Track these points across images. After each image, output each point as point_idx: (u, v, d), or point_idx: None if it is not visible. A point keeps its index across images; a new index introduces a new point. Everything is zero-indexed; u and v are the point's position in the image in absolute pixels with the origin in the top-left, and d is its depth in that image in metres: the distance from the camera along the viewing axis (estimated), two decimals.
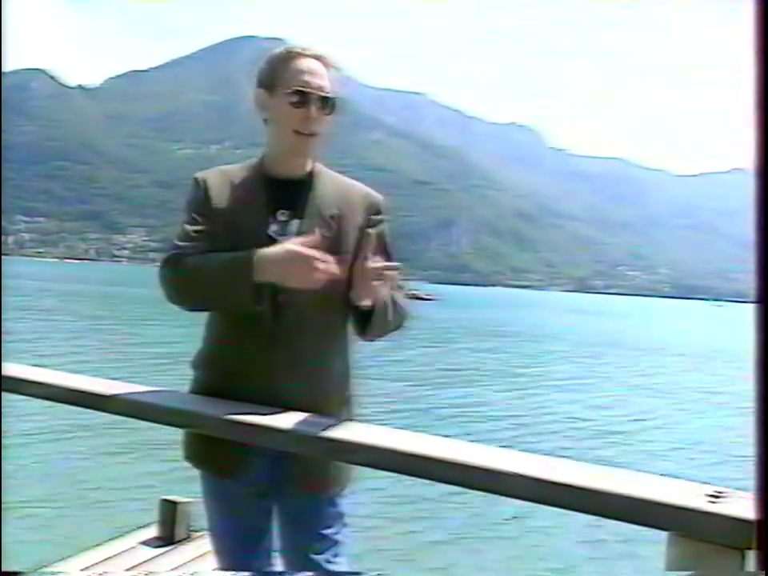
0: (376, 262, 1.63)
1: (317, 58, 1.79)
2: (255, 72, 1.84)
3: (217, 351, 1.85)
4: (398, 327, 1.84)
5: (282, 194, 1.79)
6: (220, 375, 1.82)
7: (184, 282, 1.71)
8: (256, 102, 1.82)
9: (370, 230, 1.70)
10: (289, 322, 1.77)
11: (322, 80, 1.76)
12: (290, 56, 1.78)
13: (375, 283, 1.63)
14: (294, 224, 1.79)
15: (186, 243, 1.75)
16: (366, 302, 1.67)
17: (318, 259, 1.56)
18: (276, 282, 1.62)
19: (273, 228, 1.77)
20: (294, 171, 1.82)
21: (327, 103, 1.76)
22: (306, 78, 1.74)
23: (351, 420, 1.77)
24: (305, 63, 1.76)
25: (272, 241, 1.74)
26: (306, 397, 1.74)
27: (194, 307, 1.78)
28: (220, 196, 1.79)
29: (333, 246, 1.75)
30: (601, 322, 57.37)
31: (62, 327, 23.68)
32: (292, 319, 1.77)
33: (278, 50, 1.82)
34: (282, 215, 1.79)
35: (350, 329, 1.88)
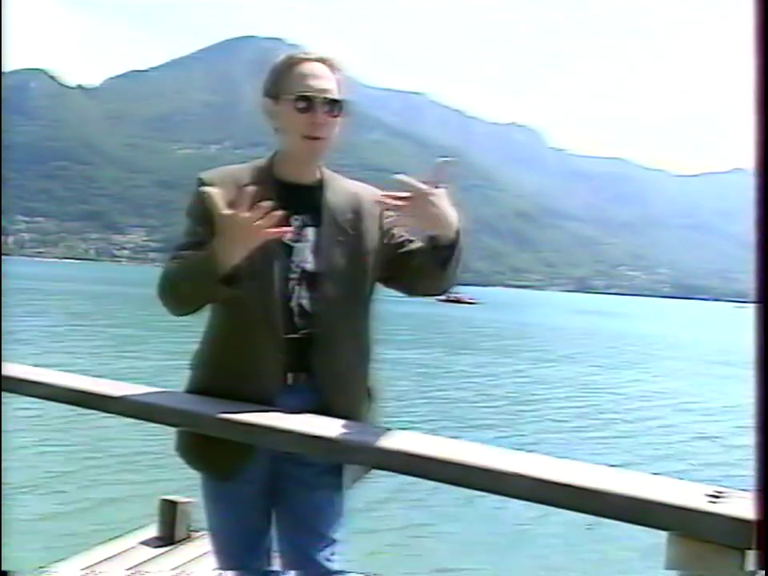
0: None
1: (319, 61, 1.78)
2: (260, 82, 1.83)
3: (221, 351, 1.83)
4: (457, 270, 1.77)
5: (294, 199, 1.75)
6: (223, 376, 1.80)
7: (165, 292, 1.72)
8: (263, 111, 1.81)
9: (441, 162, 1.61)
10: (301, 328, 1.75)
11: (326, 83, 1.74)
12: (291, 62, 1.77)
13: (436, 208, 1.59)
14: (311, 232, 1.79)
15: (179, 254, 1.73)
16: (442, 229, 1.64)
17: (251, 217, 1.53)
18: (236, 254, 1.58)
19: (287, 235, 1.76)
20: (305, 177, 1.81)
21: (333, 106, 1.74)
22: (310, 82, 1.73)
23: (360, 422, 1.77)
24: (307, 68, 1.75)
25: (287, 248, 1.75)
26: (313, 402, 1.74)
27: (185, 312, 1.75)
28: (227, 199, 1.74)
29: (350, 251, 1.79)
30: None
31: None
32: (305, 325, 1.75)
33: (280, 57, 1.81)
34: (295, 221, 1.77)
35: (371, 334, 1.88)
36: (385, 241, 1.85)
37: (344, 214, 1.81)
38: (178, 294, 1.71)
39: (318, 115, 1.72)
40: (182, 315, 1.76)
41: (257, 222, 1.53)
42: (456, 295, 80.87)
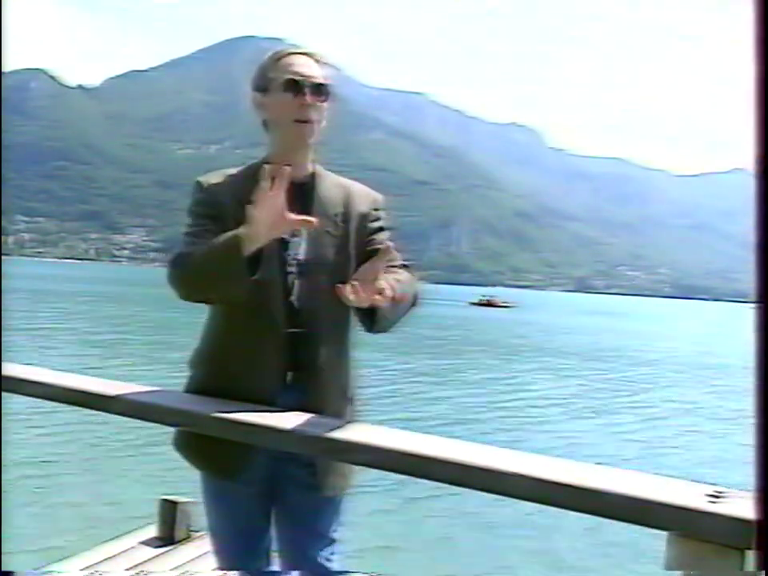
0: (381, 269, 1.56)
1: (304, 54, 1.86)
2: (249, 79, 1.90)
3: (221, 350, 1.84)
4: (406, 313, 1.81)
5: (287, 196, 1.71)
6: (223, 374, 1.81)
7: (184, 272, 1.69)
8: (253, 105, 1.88)
9: (386, 245, 1.69)
10: (299, 323, 1.78)
11: (312, 70, 1.82)
12: (277, 56, 1.85)
13: (375, 286, 1.55)
14: None
15: (191, 242, 1.75)
16: (365, 304, 1.58)
17: (280, 205, 1.56)
18: (263, 237, 1.59)
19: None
20: (297, 173, 1.80)
21: (320, 89, 1.81)
22: (296, 68, 1.81)
23: (353, 421, 1.77)
24: (293, 58, 1.84)
25: (282, 243, 1.78)
26: (311, 398, 1.77)
27: (198, 296, 1.75)
28: (224, 199, 1.78)
29: (339, 244, 1.83)
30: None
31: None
32: (302, 320, 1.78)
33: (267, 54, 1.90)
34: None
35: (355, 331, 1.91)
36: (361, 240, 1.88)
37: (335, 207, 1.86)
38: (199, 275, 1.67)
39: (307, 98, 1.78)
40: (192, 300, 1.74)
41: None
42: (488, 299, 79.77)
